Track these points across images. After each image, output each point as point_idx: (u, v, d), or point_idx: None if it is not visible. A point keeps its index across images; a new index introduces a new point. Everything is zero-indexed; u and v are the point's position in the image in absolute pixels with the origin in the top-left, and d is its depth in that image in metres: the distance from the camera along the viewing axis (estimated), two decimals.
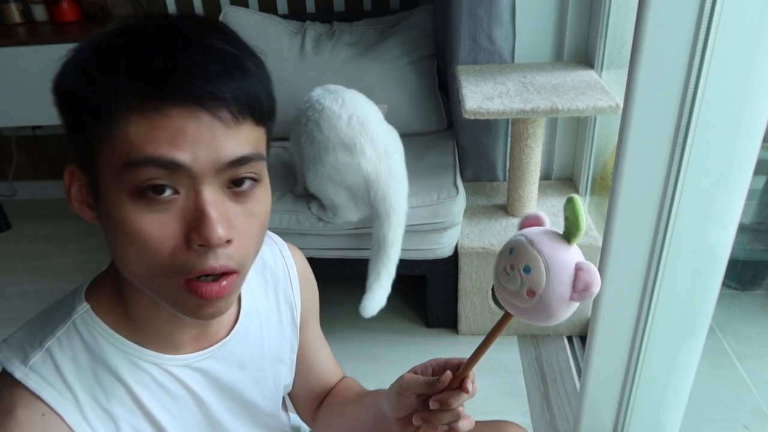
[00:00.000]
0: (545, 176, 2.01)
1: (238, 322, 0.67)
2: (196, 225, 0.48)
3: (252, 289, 0.70)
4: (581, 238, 0.52)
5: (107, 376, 0.57)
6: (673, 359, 1.17)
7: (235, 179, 0.50)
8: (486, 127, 1.85)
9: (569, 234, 0.52)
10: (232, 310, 0.67)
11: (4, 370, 0.55)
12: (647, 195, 0.98)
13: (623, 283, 1.06)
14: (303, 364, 0.80)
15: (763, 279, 1.82)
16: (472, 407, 0.62)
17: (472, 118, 1.49)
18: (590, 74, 1.67)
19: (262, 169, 0.53)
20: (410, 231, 1.52)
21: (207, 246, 0.48)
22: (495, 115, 1.47)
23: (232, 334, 0.66)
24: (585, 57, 1.81)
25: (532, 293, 0.52)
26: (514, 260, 0.53)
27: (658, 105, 0.90)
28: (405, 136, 1.56)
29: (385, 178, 1.44)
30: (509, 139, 1.80)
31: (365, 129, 1.42)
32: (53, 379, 0.54)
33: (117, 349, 0.58)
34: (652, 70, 0.88)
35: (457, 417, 0.61)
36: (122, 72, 0.46)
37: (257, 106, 0.51)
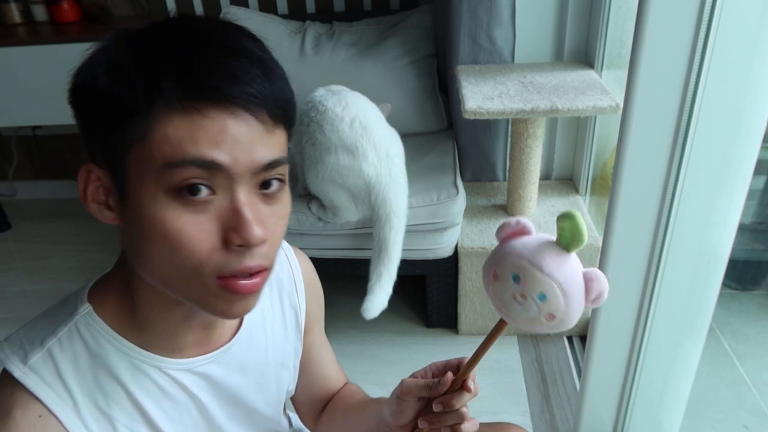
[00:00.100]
0: (545, 176, 2.01)
1: (242, 326, 0.67)
2: (234, 226, 0.49)
3: None
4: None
5: (107, 379, 0.57)
6: (673, 359, 1.17)
7: (264, 181, 0.51)
8: (486, 127, 1.85)
9: (568, 244, 0.50)
10: None
11: (4, 368, 0.55)
12: (647, 195, 0.98)
13: (623, 283, 1.06)
14: (306, 369, 0.80)
15: (763, 279, 1.82)
16: (472, 407, 0.62)
17: (472, 118, 1.49)
18: (590, 74, 1.67)
19: (286, 171, 0.54)
20: (410, 231, 1.52)
21: (246, 246, 0.49)
22: (495, 115, 1.47)
23: (235, 338, 0.66)
24: (585, 57, 1.81)
25: (552, 317, 0.51)
26: (524, 289, 0.51)
27: (658, 105, 0.90)
28: (405, 136, 1.56)
29: (386, 182, 1.44)
30: (509, 139, 1.80)
31: (367, 132, 1.42)
32: (52, 379, 0.54)
33: (119, 351, 0.57)
34: (652, 70, 0.88)
35: (461, 419, 0.60)
36: (165, 72, 0.47)
37: (289, 110, 0.53)
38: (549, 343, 1.75)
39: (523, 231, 0.53)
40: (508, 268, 0.52)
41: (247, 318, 0.67)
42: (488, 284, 0.54)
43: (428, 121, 1.95)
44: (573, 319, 0.52)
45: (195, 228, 0.48)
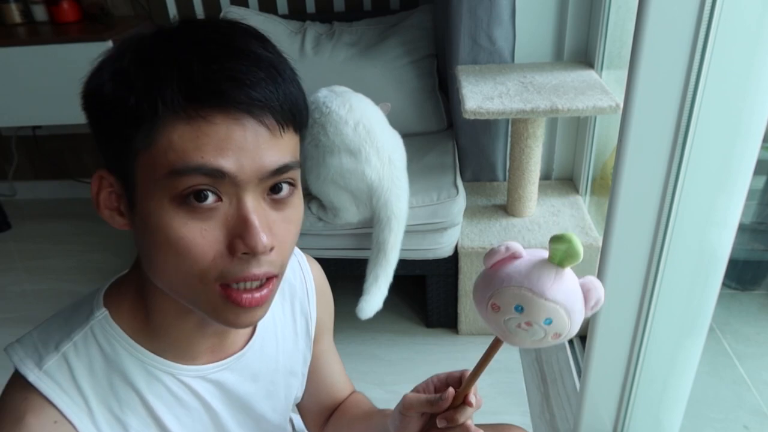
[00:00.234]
0: (545, 176, 2.01)
1: (255, 334, 0.66)
2: (239, 233, 0.48)
3: None
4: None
5: (122, 384, 0.56)
6: (673, 359, 1.17)
7: (273, 186, 0.50)
8: (486, 127, 1.85)
9: (562, 260, 0.49)
10: None
11: (17, 371, 0.54)
12: (647, 195, 0.98)
13: (623, 283, 1.06)
14: (314, 376, 0.80)
15: (763, 279, 1.82)
16: None
17: (472, 118, 1.49)
18: (590, 74, 1.67)
19: (298, 175, 0.53)
20: (410, 231, 1.52)
21: (251, 254, 0.48)
22: (495, 115, 1.47)
23: (248, 346, 0.65)
24: (585, 57, 1.81)
25: (558, 336, 0.51)
26: (529, 317, 0.50)
27: (658, 105, 0.90)
28: (405, 136, 1.56)
29: (388, 186, 1.45)
30: (509, 139, 1.80)
31: (371, 136, 1.43)
32: (67, 385, 0.54)
33: (134, 358, 0.57)
34: (652, 70, 0.88)
35: None
36: (168, 78, 0.46)
37: (298, 114, 0.51)
38: None
39: (513, 256, 0.52)
40: (509, 300, 0.51)
41: (260, 325, 0.67)
42: (486, 314, 0.53)
43: (428, 121, 1.95)
44: (576, 330, 0.52)
45: (200, 235, 0.48)
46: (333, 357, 0.83)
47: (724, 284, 1.06)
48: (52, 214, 2.64)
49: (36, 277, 2.20)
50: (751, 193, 0.95)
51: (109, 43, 1.94)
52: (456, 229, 1.64)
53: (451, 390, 0.59)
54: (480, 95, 1.54)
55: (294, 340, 0.73)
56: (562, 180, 2.03)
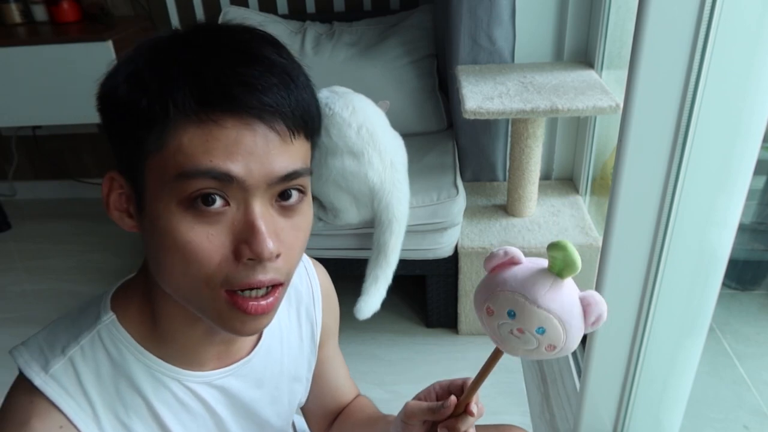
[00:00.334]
0: (545, 176, 2.01)
1: (261, 340, 0.66)
2: (246, 238, 0.48)
3: None
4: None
5: (128, 390, 0.56)
6: (673, 359, 1.17)
7: (282, 192, 0.50)
8: (486, 127, 1.85)
9: (561, 270, 0.49)
10: None
11: (22, 374, 0.54)
12: (647, 195, 0.98)
13: (623, 283, 1.06)
14: (319, 381, 0.79)
15: (763, 279, 1.82)
16: None
17: (472, 118, 1.49)
18: (590, 74, 1.67)
19: (308, 182, 0.52)
20: (410, 231, 1.52)
21: (257, 260, 0.48)
22: (495, 115, 1.47)
23: (254, 352, 0.65)
24: (585, 57, 1.81)
25: (552, 348, 0.50)
26: (521, 324, 0.50)
27: (658, 105, 0.90)
28: (405, 136, 1.56)
29: (390, 189, 1.45)
30: (509, 139, 1.80)
31: (374, 139, 1.43)
32: (73, 389, 0.53)
33: (141, 363, 0.57)
34: (652, 70, 0.88)
35: None
36: (180, 81, 0.46)
37: (310, 120, 0.51)
38: None
39: (512, 261, 0.51)
40: (502, 304, 0.50)
41: (266, 331, 0.67)
42: (483, 318, 0.53)
43: (428, 121, 1.95)
44: (574, 345, 0.51)
45: (207, 239, 0.48)
46: (338, 361, 0.83)
47: (724, 284, 1.06)
48: (52, 214, 2.64)
49: (36, 277, 2.20)
50: (751, 193, 0.95)
51: (109, 43, 1.94)
52: (456, 229, 1.64)
53: (453, 398, 0.59)
54: (480, 95, 1.54)
55: (299, 345, 0.73)
56: (562, 180, 2.03)
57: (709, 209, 0.99)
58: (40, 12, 2.23)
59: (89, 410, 0.54)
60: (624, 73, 0.93)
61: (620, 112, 0.97)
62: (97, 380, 0.55)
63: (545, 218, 1.78)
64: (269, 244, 0.48)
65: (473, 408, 0.59)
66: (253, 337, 0.66)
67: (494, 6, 1.68)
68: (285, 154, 0.49)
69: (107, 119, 0.51)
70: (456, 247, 1.67)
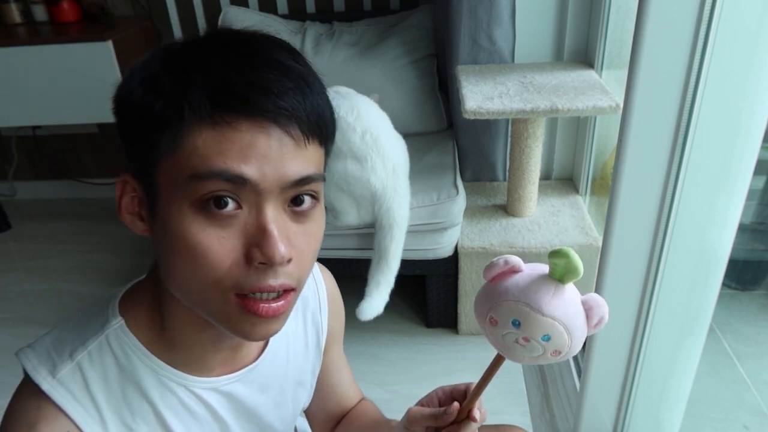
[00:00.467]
0: (545, 176, 2.01)
1: (268, 346, 0.66)
2: (257, 242, 0.48)
3: None
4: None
5: (136, 395, 0.56)
6: (673, 359, 1.17)
7: (295, 197, 0.50)
8: (486, 127, 1.85)
9: (562, 276, 0.49)
10: None
11: (29, 377, 0.54)
12: (647, 195, 0.98)
13: (623, 283, 1.06)
14: (323, 385, 0.79)
15: (763, 279, 1.82)
16: None
17: (472, 118, 1.49)
18: (590, 74, 1.67)
19: (321, 188, 0.52)
20: (410, 231, 1.53)
21: (268, 264, 0.48)
22: (495, 115, 1.47)
23: (260, 359, 0.65)
24: (585, 57, 1.81)
25: (557, 353, 0.50)
26: (526, 332, 0.50)
27: (658, 105, 0.90)
28: (405, 136, 1.56)
29: (391, 194, 1.46)
30: (509, 139, 1.80)
31: (377, 144, 1.44)
32: (81, 394, 0.53)
33: (148, 368, 0.57)
34: (652, 70, 0.88)
35: None
36: (195, 84, 0.46)
37: (324, 126, 0.51)
38: None
39: (513, 270, 0.51)
40: (506, 314, 0.50)
41: (272, 337, 0.67)
42: (485, 328, 0.53)
43: (428, 121, 1.95)
44: (578, 348, 0.51)
45: (218, 242, 0.47)
46: (342, 366, 0.83)
47: (724, 284, 1.06)
48: (52, 214, 2.64)
49: (36, 277, 2.20)
50: (751, 193, 0.95)
51: (109, 43, 1.94)
52: (456, 229, 1.64)
53: (456, 404, 0.59)
54: (480, 95, 1.54)
55: (305, 351, 0.73)
56: (562, 180, 2.03)
57: (709, 209, 0.99)
58: (40, 12, 2.23)
59: (96, 415, 0.54)
60: (624, 73, 0.93)
61: (620, 112, 0.97)
62: (105, 385, 0.55)
63: (545, 218, 1.78)
64: (281, 249, 0.47)
65: (476, 414, 0.59)
66: (260, 343, 0.66)
67: (494, 6, 1.68)
68: (299, 159, 0.49)
69: (122, 122, 0.51)
70: (456, 247, 1.67)
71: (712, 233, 1.01)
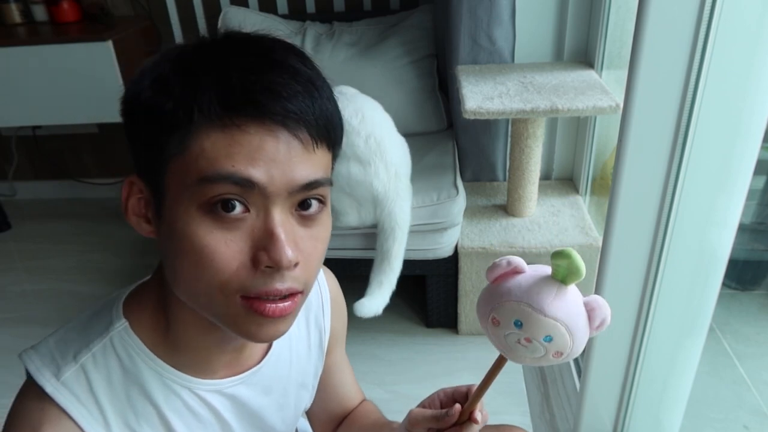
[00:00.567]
0: (545, 176, 2.01)
1: (271, 348, 0.66)
2: (264, 245, 0.47)
3: None
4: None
5: (140, 397, 0.56)
6: (673, 359, 1.17)
7: (302, 201, 0.50)
8: (486, 127, 1.85)
9: (564, 277, 0.49)
10: None
11: (32, 379, 0.54)
12: (647, 195, 0.98)
13: (623, 283, 1.06)
14: (325, 387, 0.79)
15: (763, 279, 1.82)
16: None
17: (472, 118, 1.49)
18: (590, 74, 1.67)
19: (328, 193, 0.53)
20: (410, 231, 1.53)
21: (275, 268, 0.48)
22: (495, 115, 1.47)
23: (264, 361, 0.65)
24: (585, 57, 1.81)
25: (559, 354, 0.51)
26: (528, 333, 0.50)
27: (658, 105, 0.90)
28: (405, 136, 1.57)
29: (393, 197, 1.47)
30: (509, 139, 1.80)
31: (381, 149, 1.44)
32: (85, 397, 0.53)
33: (152, 371, 0.57)
34: (652, 70, 0.88)
35: None
36: (205, 86, 0.46)
37: (332, 130, 0.51)
38: None
39: (515, 270, 0.51)
40: (508, 315, 0.50)
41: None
42: (488, 329, 0.53)
43: (428, 121, 1.95)
44: (580, 350, 0.51)
45: (225, 245, 0.47)
46: (345, 367, 0.83)
47: (724, 284, 1.06)
48: (52, 214, 2.64)
49: (36, 277, 2.20)
50: (751, 193, 0.95)
51: (109, 44, 1.94)
52: (456, 229, 1.64)
53: (457, 406, 0.59)
54: (480, 95, 1.54)
55: (307, 353, 0.73)
56: (562, 180, 2.03)
57: (709, 209, 0.99)
58: (40, 12, 2.23)
59: (100, 418, 0.54)
60: (624, 73, 0.93)
61: (620, 112, 0.97)
62: (109, 387, 0.55)
63: (545, 218, 1.78)
64: (288, 252, 0.47)
65: (477, 415, 0.59)
66: (264, 346, 0.66)
67: (494, 6, 1.68)
68: (307, 163, 0.49)
69: (130, 123, 0.51)
70: (456, 247, 1.67)
71: (712, 233, 1.01)
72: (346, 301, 0.82)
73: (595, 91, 1.54)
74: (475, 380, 0.61)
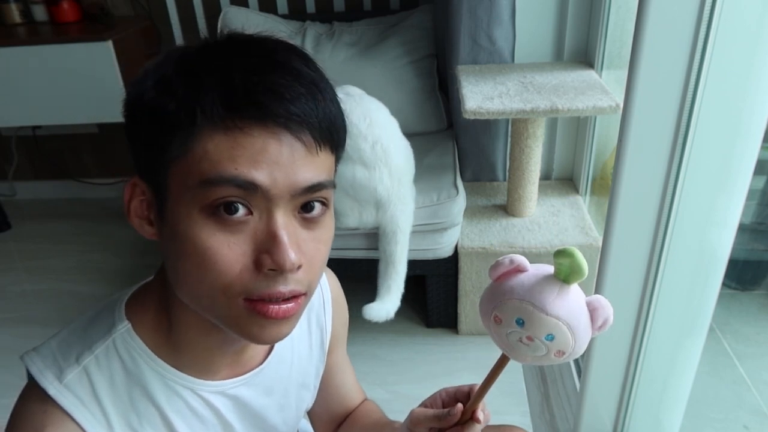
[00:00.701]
0: (545, 176, 2.01)
1: (273, 350, 0.66)
2: (267, 248, 0.47)
3: None
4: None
5: (142, 399, 0.56)
6: (673, 359, 1.17)
7: (304, 204, 0.50)
8: (486, 127, 1.85)
9: (567, 276, 0.49)
10: None
11: (34, 381, 0.54)
12: (647, 195, 0.98)
13: (623, 283, 1.06)
14: (327, 387, 0.79)
15: (763, 279, 1.82)
16: None
17: (472, 118, 1.49)
18: (590, 74, 1.67)
19: (331, 195, 0.52)
20: (411, 231, 1.53)
21: (279, 271, 0.48)
22: (495, 115, 1.47)
23: (266, 362, 0.65)
24: (585, 57, 1.81)
25: (561, 353, 0.50)
26: (530, 331, 0.50)
27: (658, 105, 0.90)
28: (405, 136, 1.56)
29: (396, 202, 1.48)
30: (509, 139, 1.80)
31: (387, 155, 1.45)
32: (88, 399, 0.53)
33: (155, 372, 0.57)
34: (652, 70, 0.88)
35: None
36: (208, 87, 0.46)
37: (335, 132, 0.51)
38: None
39: (518, 269, 0.51)
40: (510, 313, 0.50)
41: None
42: (490, 327, 0.53)
43: (428, 121, 1.95)
44: (582, 349, 0.51)
45: (227, 248, 0.47)
46: (346, 367, 0.83)
47: (724, 284, 1.06)
48: (52, 214, 2.64)
49: (36, 277, 2.20)
50: (751, 193, 0.95)
51: (109, 43, 1.95)
52: (456, 229, 1.64)
53: (459, 406, 0.59)
54: (480, 95, 1.54)
55: (309, 353, 0.73)
56: (562, 180, 2.03)
57: (709, 209, 0.99)
58: (40, 12, 2.23)
59: (103, 420, 0.54)
60: (624, 73, 0.93)
61: (620, 112, 0.97)
62: (111, 389, 0.55)
63: (545, 218, 1.78)
64: (291, 255, 0.47)
65: (479, 415, 0.59)
66: (266, 347, 0.66)
67: (494, 6, 1.68)
68: (310, 165, 0.48)
69: (133, 124, 0.51)
70: (456, 247, 1.67)
71: (712, 233, 1.01)
72: (348, 301, 0.82)
73: (595, 91, 1.54)
74: (476, 380, 0.61)
